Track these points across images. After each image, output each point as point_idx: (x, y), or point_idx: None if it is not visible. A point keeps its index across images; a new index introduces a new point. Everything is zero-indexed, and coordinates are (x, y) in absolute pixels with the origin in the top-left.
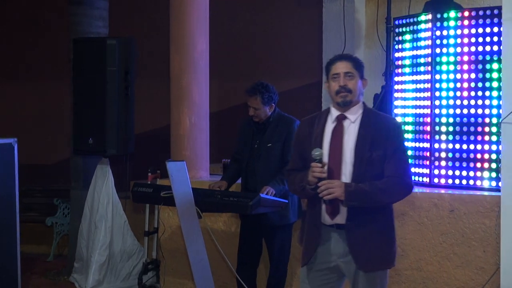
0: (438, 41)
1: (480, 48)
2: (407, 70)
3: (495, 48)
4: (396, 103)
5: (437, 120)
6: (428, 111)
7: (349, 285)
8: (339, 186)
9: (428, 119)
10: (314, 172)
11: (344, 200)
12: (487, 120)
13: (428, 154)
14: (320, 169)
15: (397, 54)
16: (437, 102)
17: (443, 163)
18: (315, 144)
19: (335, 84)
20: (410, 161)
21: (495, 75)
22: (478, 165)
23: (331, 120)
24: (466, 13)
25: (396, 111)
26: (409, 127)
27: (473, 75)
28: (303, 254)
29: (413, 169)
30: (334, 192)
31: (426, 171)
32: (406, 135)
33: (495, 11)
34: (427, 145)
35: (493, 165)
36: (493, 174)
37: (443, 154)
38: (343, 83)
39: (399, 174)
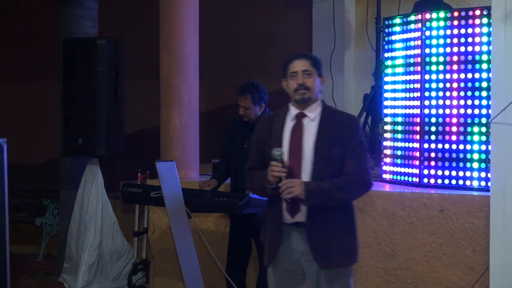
0: (427, 41)
1: (470, 48)
2: (396, 70)
3: (485, 48)
4: (385, 103)
5: (426, 120)
6: (417, 111)
7: (311, 285)
8: (298, 185)
9: (418, 119)
10: (273, 172)
11: (304, 199)
12: (476, 120)
13: (417, 154)
14: (280, 168)
15: (386, 54)
16: (426, 102)
17: (432, 163)
18: (274, 142)
19: (293, 82)
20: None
21: (484, 75)
22: (468, 165)
23: (290, 118)
24: (456, 13)
25: (385, 111)
26: (398, 127)
27: (462, 75)
28: (266, 253)
29: (403, 169)
30: (294, 190)
31: (416, 171)
32: (396, 135)
33: (484, 12)
34: (416, 145)
35: (483, 165)
36: (483, 174)
37: (432, 154)
38: (301, 81)
39: (359, 172)
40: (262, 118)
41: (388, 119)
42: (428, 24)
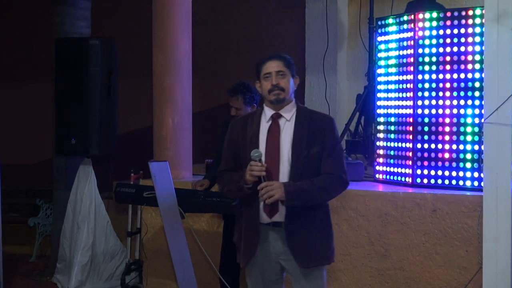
0: (420, 42)
1: (462, 48)
2: (389, 70)
3: (477, 48)
4: (378, 103)
5: (419, 120)
6: (410, 111)
7: (290, 282)
8: (278, 187)
9: (411, 119)
10: (253, 171)
11: (285, 200)
12: (469, 120)
13: (410, 154)
14: (260, 167)
15: (379, 55)
16: (419, 102)
17: (425, 163)
18: (250, 144)
19: (267, 83)
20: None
21: (477, 75)
22: (461, 165)
23: (265, 119)
24: (448, 14)
25: (378, 111)
26: (391, 127)
27: (455, 75)
28: (242, 255)
29: (396, 169)
30: (274, 194)
31: (409, 171)
32: (389, 135)
33: (477, 12)
34: (409, 145)
35: (475, 165)
36: (476, 174)
37: (425, 154)
38: (275, 82)
39: (337, 171)
40: (234, 120)
41: (381, 119)
42: (420, 24)
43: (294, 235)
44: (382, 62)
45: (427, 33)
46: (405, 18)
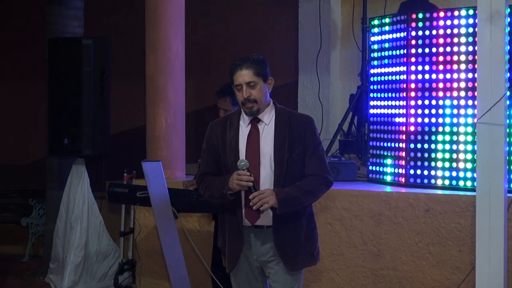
0: (413, 42)
1: (455, 49)
2: (382, 70)
3: (470, 48)
4: (371, 103)
5: (412, 120)
6: (403, 111)
7: (271, 275)
8: (270, 195)
9: (404, 119)
10: (241, 181)
11: (278, 209)
12: (462, 120)
13: (403, 154)
14: (248, 177)
15: (372, 55)
16: (412, 103)
17: (418, 163)
18: (230, 149)
19: (239, 94)
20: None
21: (470, 75)
22: (454, 165)
23: (244, 123)
24: (441, 14)
25: (371, 111)
26: (384, 127)
27: (448, 76)
28: (228, 260)
29: (389, 169)
30: (268, 201)
31: (402, 171)
32: (382, 135)
33: (470, 12)
34: (402, 145)
35: (468, 165)
36: (468, 174)
37: (418, 154)
38: (246, 95)
39: (322, 172)
40: (212, 122)
41: (374, 119)
42: (413, 24)
43: (282, 240)
44: (375, 62)
45: (420, 33)
46: (398, 18)
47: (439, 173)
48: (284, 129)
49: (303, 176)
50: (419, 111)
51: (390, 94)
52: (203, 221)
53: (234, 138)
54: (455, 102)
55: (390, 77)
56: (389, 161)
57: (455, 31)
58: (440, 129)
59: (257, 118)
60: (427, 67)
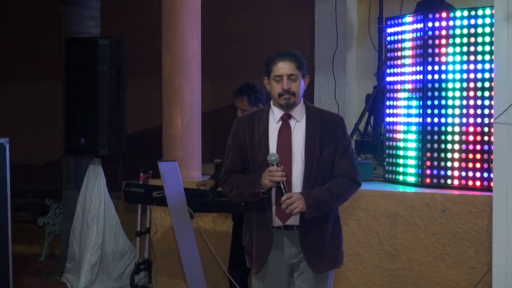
0: (430, 41)
1: (472, 49)
2: (398, 70)
3: (487, 48)
4: (388, 103)
5: (428, 120)
6: (420, 111)
7: (295, 282)
8: (299, 199)
9: (420, 119)
10: (274, 177)
11: (306, 213)
12: (479, 120)
13: (420, 154)
14: (281, 173)
15: (389, 54)
16: (428, 102)
17: (435, 163)
18: (259, 145)
19: (277, 86)
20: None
21: (486, 75)
22: (470, 165)
23: (274, 119)
24: (458, 13)
25: (388, 111)
26: (400, 127)
27: (464, 75)
28: (255, 260)
29: (405, 169)
30: (296, 206)
31: (418, 171)
32: (398, 135)
33: (487, 11)
34: (419, 145)
35: (485, 165)
36: (485, 174)
37: (435, 154)
38: (287, 87)
39: (351, 173)
40: (238, 118)
41: (390, 119)
42: (430, 24)
43: (308, 241)
44: (391, 62)
45: (436, 33)
46: (415, 18)
47: (456, 173)
48: (316, 127)
49: (332, 176)
50: (436, 111)
51: (406, 94)
52: (219, 221)
53: (263, 135)
54: (471, 102)
55: (406, 77)
56: (405, 161)
57: (472, 30)
58: (457, 129)
59: (288, 114)
60: (443, 67)
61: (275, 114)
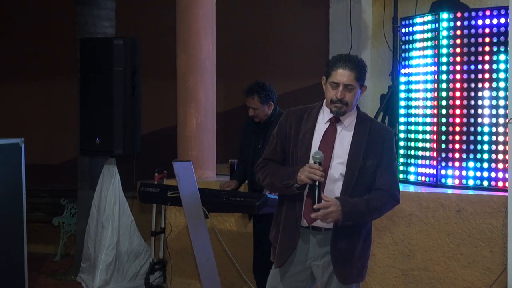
0: (444, 42)
1: (487, 49)
2: (413, 70)
3: (502, 48)
4: (402, 103)
5: (443, 120)
6: (434, 111)
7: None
8: (335, 208)
9: (435, 119)
10: (313, 174)
11: (340, 221)
12: (494, 120)
13: (435, 154)
14: (321, 173)
15: (403, 54)
16: (443, 102)
17: (450, 163)
18: (303, 140)
19: (332, 92)
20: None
21: (501, 75)
22: (485, 165)
23: (323, 119)
24: (473, 13)
25: (402, 111)
26: (415, 127)
27: (479, 75)
28: (278, 255)
29: (420, 169)
30: (331, 212)
31: (433, 171)
32: (413, 135)
33: (502, 11)
34: (433, 145)
35: (500, 165)
36: (500, 175)
37: (449, 154)
38: (340, 96)
39: (392, 189)
40: (289, 110)
41: (405, 119)
42: (445, 24)
43: (338, 249)
44: (405, 62)
45: (451, 33)
46: (430, 18)
47: (471, 173)
48: (363, 136)
49: (371, 188)
50: (451, 111)
51: (420, 94)
52: (237, 221)
53: (309, 131)
54: (486, 102)
55: (421, 77)
56: (420, 161)
57: (487, 30)
58: (472, 129)
59: (337, 119)
60: (458, 67)
61: (325, 114)
